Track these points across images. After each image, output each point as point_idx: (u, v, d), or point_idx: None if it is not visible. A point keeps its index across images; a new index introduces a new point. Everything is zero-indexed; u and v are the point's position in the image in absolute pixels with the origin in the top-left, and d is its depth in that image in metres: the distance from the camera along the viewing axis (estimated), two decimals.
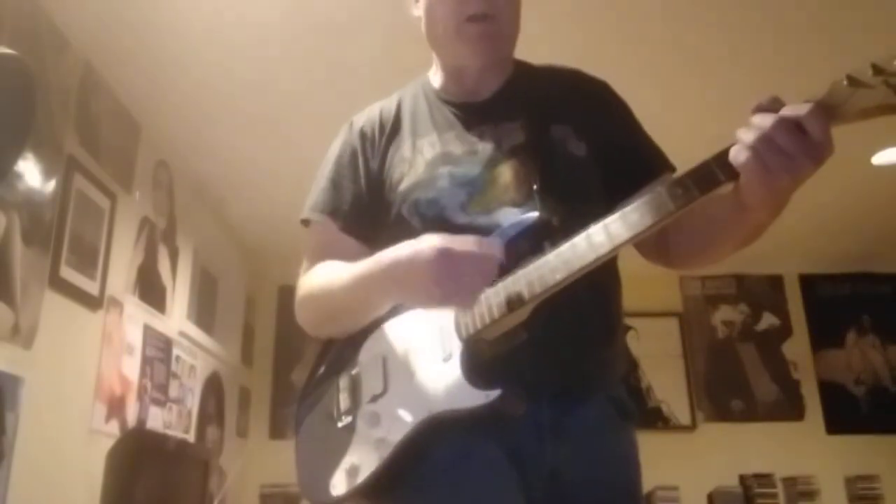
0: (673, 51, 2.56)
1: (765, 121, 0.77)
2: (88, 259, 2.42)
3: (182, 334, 3.23)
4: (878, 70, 0.73)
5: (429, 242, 0.91)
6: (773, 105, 0.79)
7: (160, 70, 2.57)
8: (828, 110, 0.76)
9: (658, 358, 4.48)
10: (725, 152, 0.81)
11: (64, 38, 2.31)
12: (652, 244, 0.96)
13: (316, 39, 2.44)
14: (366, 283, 0.99)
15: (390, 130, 1.18)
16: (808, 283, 4.68)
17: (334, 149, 1.22)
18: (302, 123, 2.83)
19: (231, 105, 2.80)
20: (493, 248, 0.91)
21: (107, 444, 2.40)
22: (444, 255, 0.89)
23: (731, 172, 0.81)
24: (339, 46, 2.45)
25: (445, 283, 0.88)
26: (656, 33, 2.46)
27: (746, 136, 0.78)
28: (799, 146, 0.76)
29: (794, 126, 0.76)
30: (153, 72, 2.58)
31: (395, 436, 0.95)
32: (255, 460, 3.99)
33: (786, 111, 0.77)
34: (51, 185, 2.21)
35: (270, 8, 2.30)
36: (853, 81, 0.74)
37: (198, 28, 2.37)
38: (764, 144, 0.77)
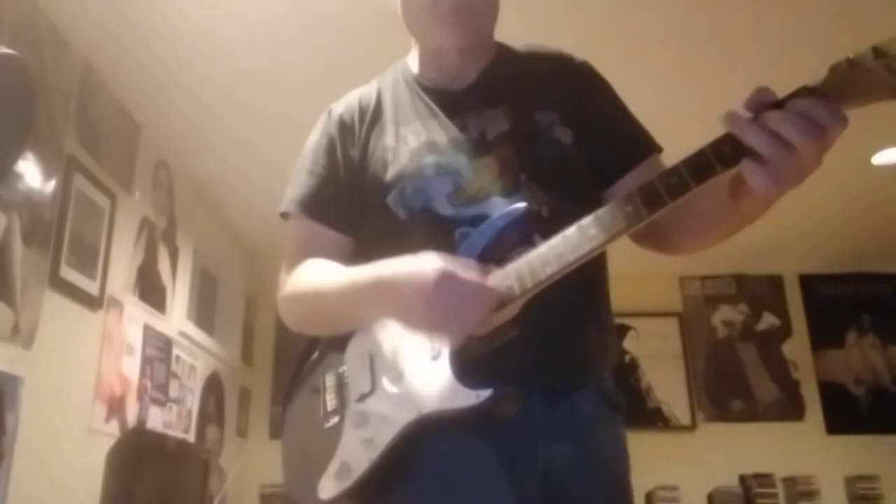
0: (668, 43, 2.56)
1: (791, 131, 0.73)
2: (88, 259, 2.42)
3: (182, 334, 3.23)
4: (879, 53, 0.70)
5: (433, 263, 0.87)
6: (764, 97, 0.76)
7: (160, 70, 2.57)
8: (825, 97, 0.73)
9: (658, 358, 4.48)
10: (721, 141, 0.79)
11: (64, 38, 2.31)
12: (642, 230, 0.95)
13: (317, 39, 2.45)
14: (361, 294, 0.96)
15: (371, 118, 1.14)
16: (808, 283, 4.67)
17: (313, 138, 1.18)
18: (303, 123, 2.81)
19: (231, 105, 2.80)
20: (493, 287, 0.87)
21: (107, 444, 2.39)
22: (446, 279, 0.85)
23: (728, 162, 0.78)
24: (341, 46, 2.45)
25: (439, 308, 0.85)
26: (651, 25, 2.46)
27: (764, 146, 0.74)
28: (816, 152, 0.73)
29: (819, 130, 0.72)
30: (153, 72, 2.58)
31: (384, 437, 0.93)
32: (255, 460, 3.99)
33: (814, 115, 0.73)
34: (51, 185, 2.21)
35: (271, 8, 2.30)
36: (853, 65, 0.72)
37: (198, 28, 2.37)
38: (781, 156, 0.73)
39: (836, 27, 2.40)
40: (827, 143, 0.74)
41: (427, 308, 0.86)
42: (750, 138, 0.75)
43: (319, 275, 1.06)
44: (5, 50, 1.91)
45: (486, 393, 0.87)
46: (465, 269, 0.87)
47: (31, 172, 2.10)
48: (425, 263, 0.88)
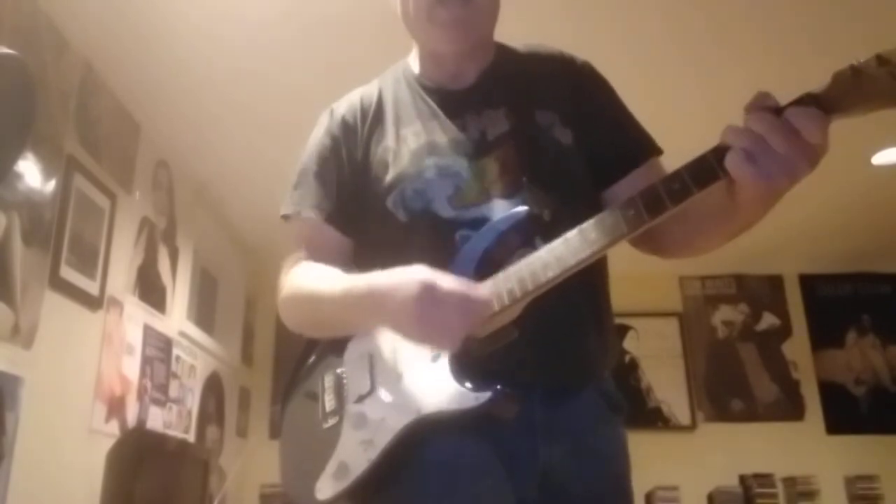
0: (669, 46, 2.56)
1: (761, 125, 0.75)
2: (88, 259, 2.42)
3: (182, 334, 3.23)
4: (883, 61, 0.71)
5: (420, 276, 0.88)
6: (764, 102, 0.77)
7: (160, 70, 2.57)
8: (828, 104, 0.74)
9: (658, 358, 4.48)
10: (724, 147, 0.78)
11: (64, 38, 2.31)
12: (642, 234, 0.94)
13: (317, 38, 2.44)
14: (355, 302, 0.96)
15: (372, 119, 1.13)
16: (808, 283, 4.67)
17: (315, 138, 1.17)
18: (302, 123, 2.81)
19: (231, 105, 2.80)
20: (482, 298, 0.87)
21: (107, 444, 2.39)
22: (428, 292, 0.86)
23: None
24: (341, 45, 2.45)
25: (424, 321, 0.86)
26: (651, 25, 2.46)
27: (741, 140, 0.76)
28: (796, 150, 0.74)
29: (791, 130, 0.74)
30: (153, 72, 2.58)
31: (383, 438, 0.92)
32: (255, 460, 3.99)
33: (785, 115, 0.74)
34: (51, 185, 2.21)
35: (270, 7, 2.30)
36: (857, 72, 0.72)
37: (198, 28, 2.37)
38: (760, 150, 0.75)
39: (837, 27, 2.40)
40: (810, 148, 0.74)
41: (413, 319, 0.87)
42: (729, 137, 0.77)
43: (318, 279, 1.06)
44: (5, 50, 1.91)
45: (485, 395, 0.87)
46: (451, 281, 0.87)
47: (31, 172, 2.10)
48: (411, 275, 0.88)
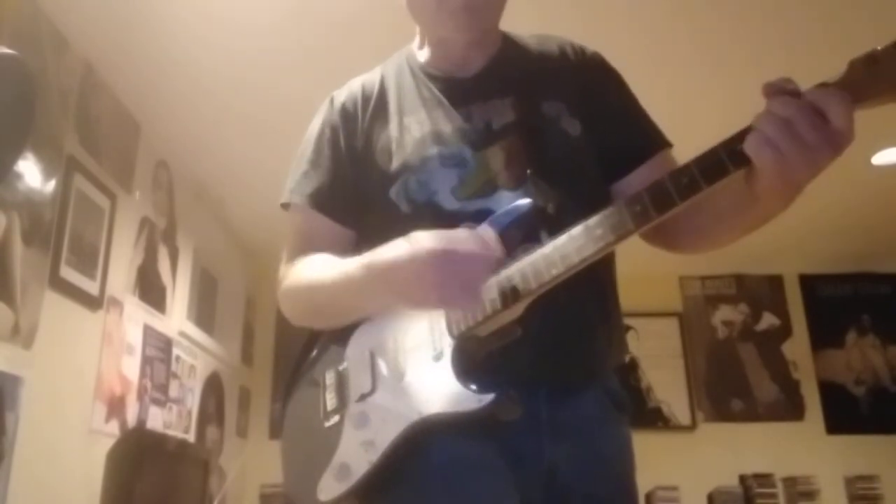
0: (679, 38, 2.55)
1: (786, 109, 0.71)
2: (88, 259, 2.42)
3: (182, 334, 3.23)
4: None
5: (426, 243, 0.84)
6: (785, 86, 0.74)
7: (160, 70, 2.57)
8: (850, 92, 0.71)
9: (658, 358, 4.48)
10: (735, 139, 0.76)
11: (64, 38, 2.31)
12: (653, 228, 0.89)
13: (317, 40, 2.44)
14: (358, 285, 0.93)
15: (374, 107, 1.11)
16: (808, 283, 4.67)
17: (314, 127, 1.16)
18: (302, 123, 2.81)
19: (231, 105, 2.80)
20: (492, 245, 0.85)
21: (107, 444, 2.39)
22: (446, 257, 0.82)
23: (741, 161, 0.75)
24: (340, 46, 2.45)
25: (447, 286, 0.82)
26: (666, 17, 2.44)
27: (765, 125, 0.72)
28: (821, 136, 0.70)
29: (818, 114, 0.70)
30: (153, 72, 2.58)
31: (385, 438, 0.91)
32: (255, 460, 3.99)
33: (811, 97, 0.71)
34: (51, 185, 2.21)
35: (271, 8, 2.30)
36: (873, 60, 0.70)
37: (198, 28, 2.37)
38: (785, 135, 0.71)
39: (855, 21, 2.37)
40: (837, 135, 0.71)
41: (434, 289, 0.83)
42: (755, 122, 0.73)
43: (315, 268, 1.04)
44: (5, 50, 1.91)
45: (488, 397, 0.85)
46: (457, 240, 0.85)
47: (31, 172, 2.10)
48: (417, 245, 0.85)
